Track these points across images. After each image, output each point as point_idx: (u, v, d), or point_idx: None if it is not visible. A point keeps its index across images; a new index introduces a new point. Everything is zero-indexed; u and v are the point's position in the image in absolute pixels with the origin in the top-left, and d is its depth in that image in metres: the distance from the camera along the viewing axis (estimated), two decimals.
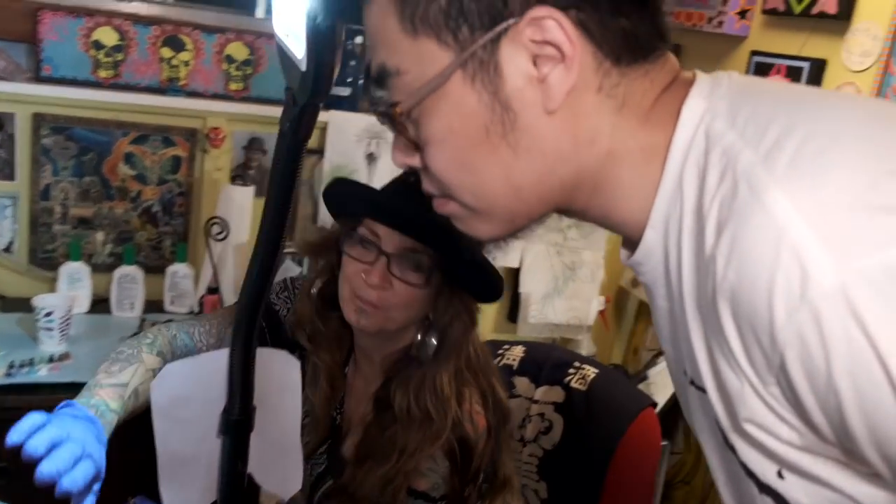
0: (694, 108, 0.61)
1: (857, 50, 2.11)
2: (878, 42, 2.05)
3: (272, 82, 2.41)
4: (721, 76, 0.64)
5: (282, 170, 0.81)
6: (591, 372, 1.51)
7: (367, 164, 2.39)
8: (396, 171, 2.59)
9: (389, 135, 0.70)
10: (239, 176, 2.35)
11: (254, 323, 0.87)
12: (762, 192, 0.53)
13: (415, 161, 0.68)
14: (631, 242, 0.68)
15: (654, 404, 1.45)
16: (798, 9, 2.20)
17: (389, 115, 0.65)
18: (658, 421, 1.46)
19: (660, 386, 2.56)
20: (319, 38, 0.67)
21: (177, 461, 0.99)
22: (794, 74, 2.22)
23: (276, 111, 2.79)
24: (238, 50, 2.39)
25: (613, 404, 1.45)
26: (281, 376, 0.96)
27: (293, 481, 1.03)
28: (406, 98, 0.64)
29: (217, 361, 0.92)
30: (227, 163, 2.38)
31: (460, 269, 1.17)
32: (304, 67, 0.70)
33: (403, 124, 0.65)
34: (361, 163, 2.40)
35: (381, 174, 2.39)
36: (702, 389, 0.62)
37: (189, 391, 0.94)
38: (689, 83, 0.64)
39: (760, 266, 0.52)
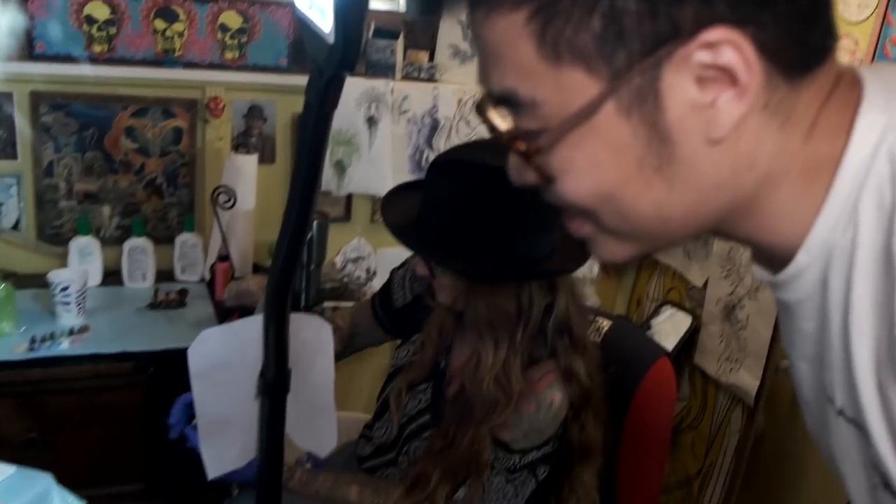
0: (870, 123, 0.53)
1: (854, 1, 2.12)
2: None
3: (268, 50, 2.40)
4: (892, 79, 0.55)
5: (310, 141, 0.83)
6: (605, 324, 1.54)
7: (367, 127, 2.40)
8: (397, 137, 2.57)
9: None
10: (241, 144, 2.36)
11: (286, 290, 0.89)
12: None
13: (540, 181, 0.60)
14: (769, 257, 0.62)
15: (668, 354, 1.48)
16: None
17: (521, 150, 0.57)
18: (672, 371, 1.49)
19: (663, 335, 2.61)
20: (348, 11, 0.69)
21: (215, 422, 1.02)
22: None
23: (274, 79, 2.76)
24: (231, 18, 2.37)
25: (628, 356, 1.48)
26: (314, 340, 1.00)
27: (328, 439, 1.07)
28: (543, 131, 0.55)
29: (252, 328, 0.95)
30: (228, 132, 2.38)
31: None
32: (331, 40, 0.72)
33: (532, 155, 0.57)
34: (362, 126, 2.41)
35: (382, 137, 2.40)
36: (859, 426, 0.57)
37: (226, 356, 0.97)
38: (854, 85, 0.56)
39: None
